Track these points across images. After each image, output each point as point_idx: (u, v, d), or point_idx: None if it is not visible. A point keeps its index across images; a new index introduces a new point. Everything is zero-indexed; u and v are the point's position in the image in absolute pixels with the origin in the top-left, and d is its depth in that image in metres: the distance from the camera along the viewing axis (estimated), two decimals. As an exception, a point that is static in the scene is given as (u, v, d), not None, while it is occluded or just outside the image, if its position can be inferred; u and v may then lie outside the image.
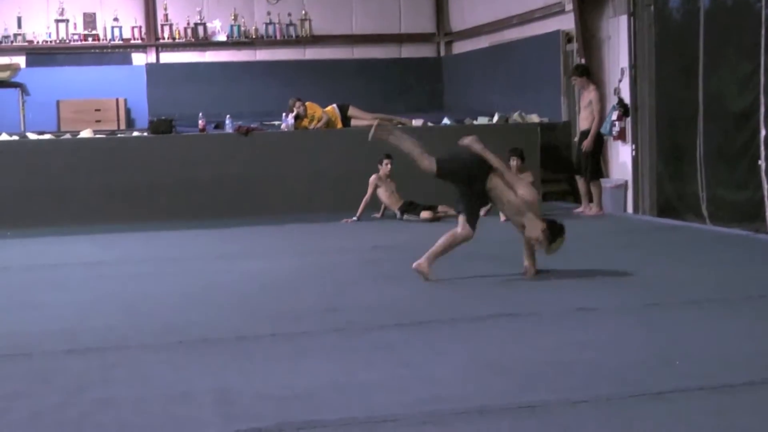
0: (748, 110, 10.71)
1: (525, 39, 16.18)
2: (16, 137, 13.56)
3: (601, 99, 12.79)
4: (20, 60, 17.79)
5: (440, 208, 12.50)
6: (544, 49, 15.29)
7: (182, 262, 9.56)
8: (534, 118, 14.78)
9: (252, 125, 14.01)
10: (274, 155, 13.58)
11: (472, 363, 5.30)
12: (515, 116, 14.78)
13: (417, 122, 14.80)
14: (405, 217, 12.51)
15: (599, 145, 12.73)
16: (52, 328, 6.47)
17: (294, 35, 19.24)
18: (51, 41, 18.39)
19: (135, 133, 14.58)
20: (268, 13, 19.07)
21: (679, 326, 6.12)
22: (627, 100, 12.97)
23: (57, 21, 18.36)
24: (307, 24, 19.22)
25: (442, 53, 20.11)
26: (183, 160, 13.26)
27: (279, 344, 5.89)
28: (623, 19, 13.08)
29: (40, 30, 18.37)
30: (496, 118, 14.79)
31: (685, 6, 12.45)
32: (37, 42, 18.37)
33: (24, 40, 18.30)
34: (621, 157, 13.39)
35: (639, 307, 6.74)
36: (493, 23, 17.51)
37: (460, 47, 19.55)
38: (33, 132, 14.14)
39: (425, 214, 12.32)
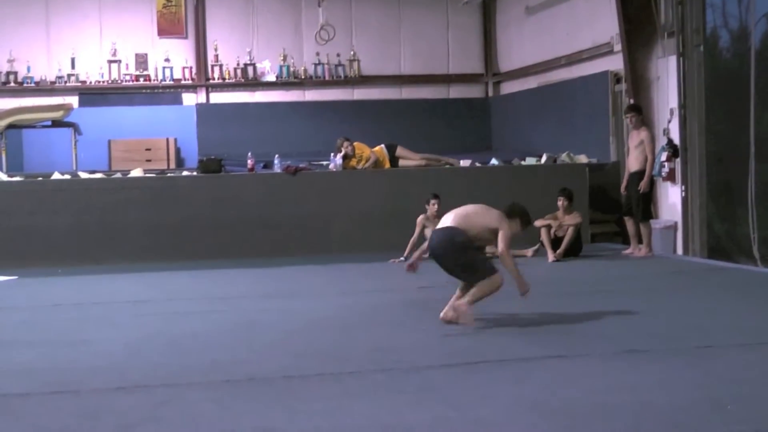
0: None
1: (573, 79, 16.16)
2: (68, 176, 13.74)
3: (652, 140, 12.68)
4: (73, 100, 18.11)
5: (487, 249, 12.43)
6: (592, 90, 15.27)
7: (229, 300, 9.59)
8: (582, 158, 14.71)
9: (300, 165, 14.08)
10: (321, 195, 13.63)
11: (519, 405, 5.25)
12: (563, 157, 14.73)
13: (465, 162, 14.80)
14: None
15: (650, 186, 12.61)
16: (100, 365, 6.51)
17: (343, 75, 19.38)
18: (103, 81, 18.69)
19: (185, 173, 14.71)
20: (317, 54, 19.22)
21: (730, 369, 6.02)
22: (676, 140, 12.89)
23: (110, 62, 18.66)
24: (355, 64, 19.37)
25: (491, 93, 20.14)
26: (231, 199, 13.35)
27: (325, 384, 5.87)
28: (672, 60, 13.04)
29: (93, 70, 18.67)
30: (544, 159, 14.74)
31: (735, 46, 12.42)
32: (90, 82, 18.67)
33: (77, 80, 18.61)
34: (670, 198, 13.29)
35: (689, 349, 6.65)
36: (541, 63, 17.53)
37: (509, 87, 19.58)
38: (84, 171, 14.32)
39: (472, 255, 12.25)
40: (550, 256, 12.21)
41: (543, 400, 5.34)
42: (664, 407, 5.12)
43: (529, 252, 12.51)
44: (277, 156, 14.30)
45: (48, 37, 18.68)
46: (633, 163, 12.55)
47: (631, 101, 13.54)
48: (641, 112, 12.67)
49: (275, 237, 13.25)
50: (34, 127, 16.18)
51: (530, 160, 14.96)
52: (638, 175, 12.40)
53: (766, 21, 11.86)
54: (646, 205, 12.50)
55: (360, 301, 9.06)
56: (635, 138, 12.54)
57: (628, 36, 13.67)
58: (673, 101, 13.01)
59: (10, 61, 18.39)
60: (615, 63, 14.47)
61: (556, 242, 12.40)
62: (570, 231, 12.37)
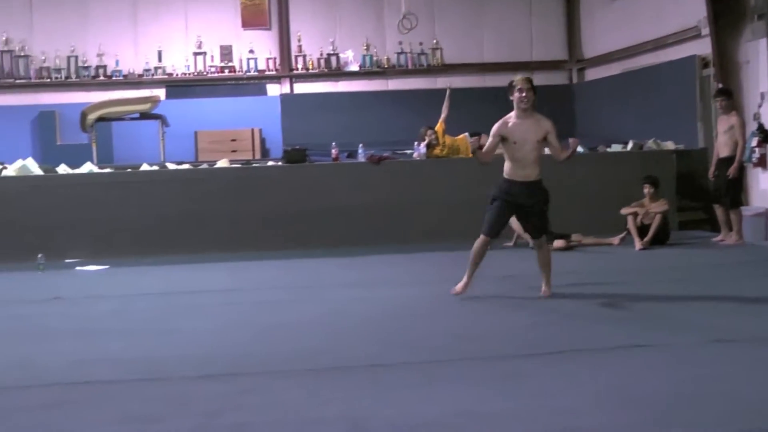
0: None
1: (659, 65, 15.92)
2: (156, 167, 13.97)
3: (742, 125, 12.36)
4: (160, 92, 18.41)
5: (573, 237, 12.35)
6: (679, 75, 15.02)
7: (314, 289, 9.66)
8: (669, 145, 14.46)
9: (384, 154, 14.09)
10: (405, 184, 13.62)
11: (604, 394, 5.20)
12: (650, 143, 14.50)
13: (549, 150, 14.65)
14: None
15: (740, 172, 12.32)
16: (188, 353, 6.62)
17: (425, 64, 19.38)
18: (189, 74, 18.96)
19: (269, 163, 14.84)
20: (400, 43, 19.24)
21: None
22: (767, 125, 12.60)
23: (195, 54, 18.93)
24: (438, 53, 19.35)
25: (575, 80, 19.94)
26: (316, 189, 13.41)
27: (411, 372, 5.89)
28: (762, 42, 12.75)
29: (179, 63, 18.96)
30: (630, 146, 14.54)
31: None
32: (176, 74, 18.96)
33: (164, 73, 18.91)
34: (761, 185, 13.02)
35: (781, 340, 6.52)
36: (626, 49, 17.29)
37: (593, 74, 19.36)
38: (172, 162, 14.54)
39: (558, 243, 12.14)
40: (637, 245, 12.05)
41: (627, 389, 5.28)
42: (753, 398, 5.03)
43: (616, 240, 12.37)
44: (360, 145, 14.33)
45: (135, 31, 19.02)
46: (722, 149, 12.24)
47: (720, 86, 13.26)
48: (731, 97, 12.34)
49: (359, 226, 13.28)
50: (123, 119, 16.48)
51: (616, 147, 14.77)
52: (727, 161, 12.10)
53: None
54: (735, 192, 12.22)
55: (445, 289, 9.04)
56: (725, 123, 12.22)
57: (715, 19, 13.42)
58: (764, 85, 12.74)
59: (100, 55, 18.77)
60: (702, 47, 14.22)
61: (642, 230, 12.23)
62: (657, 218, 12.19)
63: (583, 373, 5.68)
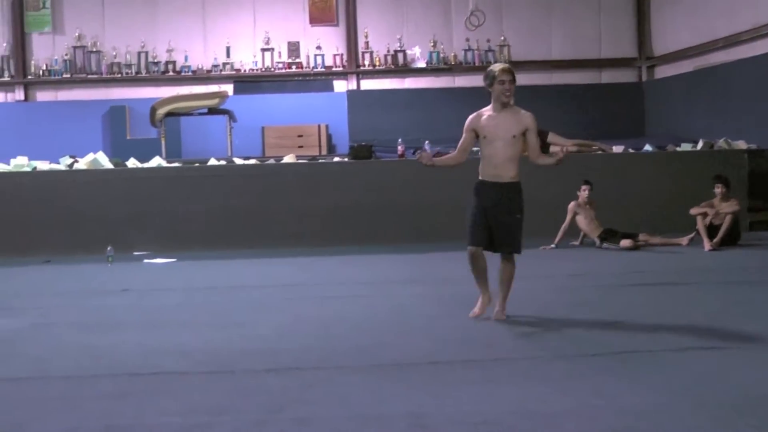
0: None
1: (732, 62, 15.67)
2: (223, 162, 14.10)
3: None
4: (228, 88, 18.57)
5: (641, 237, 12.22)
6: (752, 73, 14.78)
7: (377, 285, 9.66)
8: (741, 144, 14.24)
9: (450, 151, 14.04)
10: (472, 181, 13.55)
11: (669, 395, 5.13)
12: (721, 143, 14.28)
13: (617, 149, 14.53)
14: (604, 245, 12.25)
15: None
16: (253, 347, 6.66)
17: (492, 61, 19.29)
18: (257, 69, 19.09)
19: (336, 159, 14.88)
20: (467, 40, 19.20)
21: None
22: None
23: (263, 50, 19.06)
24: (505, 50, 19.26)
25: (644, 78, 19.71)
26: (381, 185, 13.44)
27: (471, 370, 5.86)
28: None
29: (247, 59, 19.12)
30: (700, 145, 14.33)
31: None
32: (244, 70, 19.11)
33: (232, 68, 19.08)
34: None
35: None
36: (698, 46, 17.07)
37: (663, 72, 19.13)
38: (239, 157, 14.66)
39: (625, 243, 12.03)
40: (707, 245, 11.88)
41: (694, 391, 5.20)
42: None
43: (685, 240, 12.20)
44: (426, 142, 14.33)
45: (204, 27, 19.22)
46: None
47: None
48: None
49: (424, 223, 13.27)
50: (191, 114, 16.65)
51: (685, 147, 14.57)
52: None
53: None
54: None
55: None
56: None
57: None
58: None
59: (169, 50, 19.01)
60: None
61: (712, 231, 12.05)
62: (727, 219, 12.00)
63: (648, 374, 5.61)
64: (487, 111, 7.52)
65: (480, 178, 7.55)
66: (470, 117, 7.58)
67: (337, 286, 9.62)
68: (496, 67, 7.46)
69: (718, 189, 12.21)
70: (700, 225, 12.11)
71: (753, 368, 5.71)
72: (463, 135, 7.59)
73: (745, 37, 15.26)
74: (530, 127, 7.43)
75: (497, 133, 7.38)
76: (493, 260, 7.54)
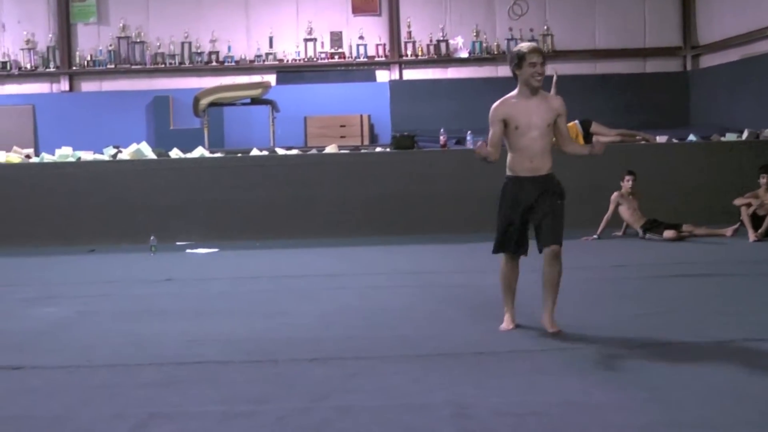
0: None
1: (779, 51, 15.47)
2: (265, 152, 14.14)
3: None
4: (271, 78, 18.62)
5: (685, 227, 12.11)
6: (800, 61, 14.57)
7: (419, 275, 9.66)
8: (787, 134, 14.06)
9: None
10: (513, 171, 13.51)
11: (714, 388, 5.08)
12: (767, 132, 14.10)
13: (661, 138, 14.41)
14: (647, 235, 12.16)
15: None
16: (296, 336, 6.69)
17: (535, 51, 19.16)
18: (300, 59, 19.13)
19: (377, 149, 14.89)
20: (510, 29, 19.10)
21: None
22: None
23: (306, 40, 19.08)
24: (549, 39, 19.13)
25: (689, 67, 19.50)
26: (424, 175, 13.42)
27: (516, 361, 5.85)
28: None
29: (290, 49, 19.16)
30: (745, 135, 14.16)
31: None
32: (287, 60, 19.15)
33: (275, 59, 19.12)
34: None
35: None
36: (744, 35, 16.84)
37: (709, 61, 18.91)
38: (281, 147, 14.70)
39: (668, 233, 11.93)
40: (751, 236, 11.75)
41: (739, 385, 5.15)
42: None
43: (729, 231, 12.08)
44: (469, 132, 14.28)
45: (247, 17, 19.27)
46: None
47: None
48: None
49: (467, 213, 13.22)
50: (234, 104, 16.72)
51: (730, 137, 14.41)
52: None
53: None
54: None
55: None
56: None
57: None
58: None
59: (212, 41, 19.08)
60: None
61: (757, 221, 11.91)
62: (773, 210, 11.88)
63: (693, 367, 5.56)
64: (513, 98, 6.64)
65: (511, 174, 6.73)
66: (495, 106, 6.66)
67: (380, 276, 9.63)
68: (525, 47, 6.57)
69: (764, 179, 12.08)
70: (745, 216, 11.98)
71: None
72: (492, 128, 6.64)
73: (793, 25, 15.08)
74: (561, 113, 6.70)
75: (532, 122, 6.56)
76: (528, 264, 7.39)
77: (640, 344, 6.15)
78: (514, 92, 6.67)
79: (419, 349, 6.17)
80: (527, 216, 6.73)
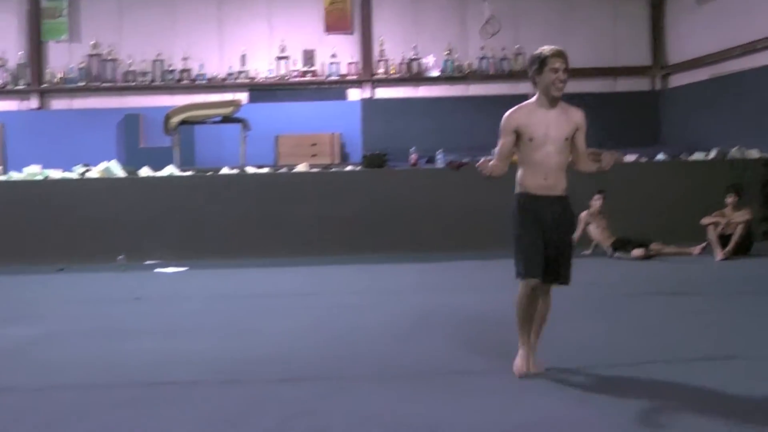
0: None
1: (749, 70, 15.61)
2: (236, 170, 14.12)
3: None
4: (243, 96, 18.61)
5: (653, 246, 12.18)
6: (768, 81, 14.73)
7: (391, 294, 9.64)
8: (754, 153, 14.19)
9: (464, 160, 14.03)
10: (485, 190, 13.55)
11: (686, 404, 5.10)
12: (734, 151, 14.24)
13: (630, 158, 14.50)
14: (616, 254, 12.23)
15: None
16: (266, 356, 6.65)
17: (507, 69, 19.28)
18: (272, 78, 19.13)
19: (348, 168, 14.90)
20: (482, 48, 19.19)
21: None
22: None
23: (278, 58, 19.09)
24: (520, 58, 19.23)
25: (659, 86, 19.66)
26: (395, 194, 13.43)
27: (491, 380, 5.84)
28: None
29: (262, 67, 19.16)
30: (713, 154, 14.29)
31: None
32: (259, 79, 19.15)
33: (247, 77, 19.11)
34: None
35: None
36: (714, 54, 17.01)
37: (678, 80, 19.07)
38: (252, 166, 14.67)
39: (637, 252, 12.01)
40: (718, 255, 11.84)
41: (708, 400, 5.17)
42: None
43: (697, 250, 12.17)
44: (440, 151, 14.32)
45: (221, 35, 19.29)
46: None
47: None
48: None
49: (438, 232, 13.26)
50: (205, 123, 16.70)
51: (698, 155, 14.54)
52: None
53: None
54: None
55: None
56: None
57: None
58: None
59: (184, 59, 19.05)
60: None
61: (724, 240, 12.01)
62: (739, 228, 11.97)
63: (662, 385, 5.59)
64: (530, 107, 5.98)
65: (523, 191, 6.00)
66: (509, 114, 5.98)
67: (353, 295, 9.61)
68: (547, 50, 5.93)
69: (730, 198, 12.19)
70: (712, 234, 12.08)
71: (764, 378, 5.69)
72: (502, 138, 5.97)
73: (761, 45, 15.20)
74: (581, 127, 6.02)
75: (549, 135, 5.89)
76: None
77: (613, 363, 6.16)
78: (532, 100, 6.01)
79: (393, 369, 6.15)
80: (545, 240, 5.98)
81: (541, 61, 5.88)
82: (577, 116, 6.00)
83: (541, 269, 5.92)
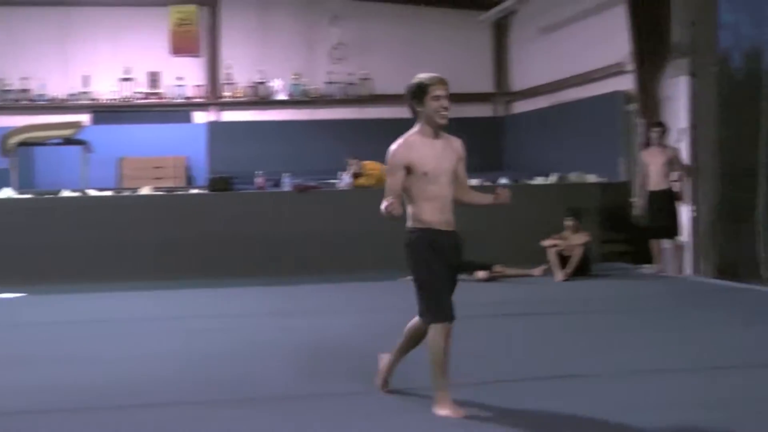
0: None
1: (585, 99, 16.14)
2: (77, 193, 13.77)
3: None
4: (87, 118, 18.18)
5: (496, 268, 12.42)
6: (604, 109, 15.24)
7: (240, 318, 9.56)
8: (591, 178, 14.68)
9: (310, 183, 14.07)
10: (331, 213, 13.61)
11: (515, 425, 5.20)
12: (572, 176, 14.69)
13: (473, 182, 14.76)
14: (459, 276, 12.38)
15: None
16: (113, 383, 6.49)
17: (355, 94, 19.41)
18: (116, 99, 18.77)
19: (194, 191, 14.72)
20: (330, 73, 19.27)
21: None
22: (686, 160, 12.83)
23: (123, 80, 18.75)
24: (367, 83, 19.39)
25: (502, 113, 20.13)
26: (241, 217, 13.34)
27: (328, 404, 5.84)
28: (683, 80, 12.98)
29: (106, 89, 18.77)
30: (552, 178, 14.72)
31: (748, 67, 12.37)
32: (103, 100, 18.76)
33: (90, 98, 18.70)
34: (680, 218, 13.22)
35: (706, 369, 6.60)
36: (553, 83, 17.52)
37: (520, 107, 19.57)
38: (94, 188, 14.34)
39: (480, 274, 12.22)
40: (558, 276, 12.17)
41: (545, 420, 5.29)
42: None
43: (537, 272, 12.47)
44: (286, 174, 14.31)
45: (65, 55, 18.82)
46: (657, 182, 12.50)
47: (643, 121, 13.50)
48: (667, 129, 12.69)
49: (285, 255, 13.22)
50: (45, 144, 16.23)
51: (538, 180, 14.94)
52: (663, 193, 12.46)
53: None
54: (677, 222, 12.56)
55: (372, 319, 8.99)
56: (659, 156, 12.47)
57: (640, 56, 13.63)
58: (684, 121, 12.94)
59: (24, 78, 18.49)
60: (627, 83, 14.42)
61: (564, 262, 12.36)
62: (578, 250, 12.34)
63: (504, 404, 5.68)
64: (415, 139, 5.65)
65: (427, 227, 5.62)
66: (395, 149, 5.61)
67: (200, 320, 9.48)
68: (427, 78, 5.68)
69: (569, 222, 12.57)
70: (552, 256, 12.41)
71: (606, 398, 5.84)
72: (392, 176, 5.61)
73: (597, 75, 15.74)
74: (463, 157, 5.81)
75: (441, 167, 5.61)
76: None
77: (457, 383, 6.23)
78: (414, 132, 5.68)
79: (239, 393, 6.10)
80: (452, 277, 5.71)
81: (421, 90, 5.60)
82: (458, 145, 5.79)
83: (453, 309, 5.63)
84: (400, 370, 6.16)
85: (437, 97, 5.56)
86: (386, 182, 5.62)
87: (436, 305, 5.55)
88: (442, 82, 5.62)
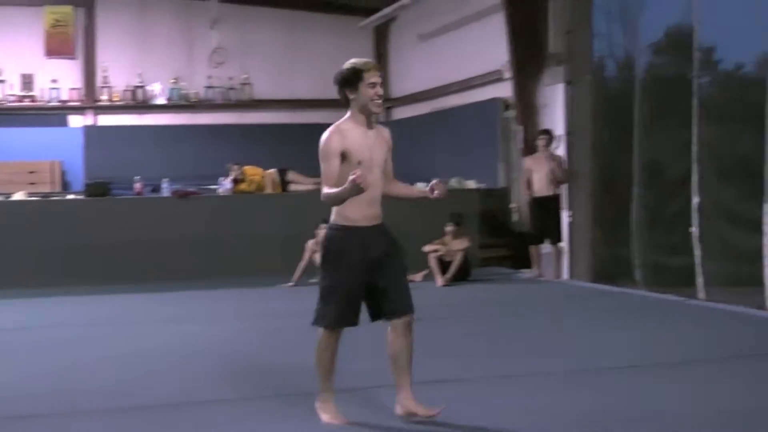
0: (682, 177, 10.90)
1: (465, 105, 16.35)
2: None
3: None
4: (-46, 121, 17.61)
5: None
6: (483, 116, 15.47)
7: (120, 325, 9.40)
8: (471, 184, 14.88)
9: (189, 189, 13.93)
10: (211, 219, 13.50)
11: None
12: (453, 182, 14.87)
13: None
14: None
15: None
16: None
17: (235, 99, 19.26)
18: (-14, 102, 18.23)
19: (70, 196, 14.41)
20: (209, 77, 19.08)
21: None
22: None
23: (-7, 82, 18.23)
24: (248, 88, 19.26)
25: (382, 119, 20.22)
26: (119, 223, 13.14)
27: (224, 409, 5.79)
28: (560, 87, 13.28)
29: (-25, 90, 18.21)
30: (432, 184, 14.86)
31: (622, 75, 12.73)
32: (-28, 102, 18.20)
33: (-42, 100, 18.13)
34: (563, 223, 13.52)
35: (576, 372, 6.74)
36: (434, 89, 17.68)
37: (400, 113, 19.69)
38: (-40, 194, 13.92)
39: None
40: (439, 281, 12.30)
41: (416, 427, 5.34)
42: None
43: (418, 277, 12.58)
44: (165, 180, 14.13)
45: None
46: (541, 188, 12.74)
47: (522, 128, 13.75)
48: (554, 137, 12.95)
49: (164, 261, 13.06)
50: None
51: (419, 185, 15.04)
52: (548, 200, 12.71)
53: (650, 51, 12.17)
54: (560, 228, 12.81)
55: (254, 325, 8.95)
56: (543, 163, 12.70)
57: (517, 64, 13.88)
58: (561, 128, 13.23)
59: None
60: (505, 90, 14.67)
61: (445, 267, 12.49)
62: (458, 256, 12.49)
63: (376, 410, 5.70)
64: (348, 126, 5.37)
65: (346, 223, 5.30)
66: (330, 136, 5.31)
67: (78, 328, 9.29)
68: (360, 63, 5.43)
69: (449, 227, 12.71)
70: (433, 262, 12.54)
71: (479, 401, 5.92)
72: (327, 163, 5.25)
73: (476, 82, 15.93)
74: (391, 147, 5.57)
75: (374, 158, 5.35)
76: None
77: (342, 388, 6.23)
78: (346, 119, 5.42)
79: (121, 402, 5.99)
80: (372, 277, 5.33)
81: (356, 76, 5.32)
82: (388, 135, 5.53)
83: (349, 318, 5.31)
84: (287, 373, 6.13)
85: (373, 84, 5.29)
86: (322, 169, 5.24)
87: (336, 311, 5.29)
88: (376, 68, 5.39)
